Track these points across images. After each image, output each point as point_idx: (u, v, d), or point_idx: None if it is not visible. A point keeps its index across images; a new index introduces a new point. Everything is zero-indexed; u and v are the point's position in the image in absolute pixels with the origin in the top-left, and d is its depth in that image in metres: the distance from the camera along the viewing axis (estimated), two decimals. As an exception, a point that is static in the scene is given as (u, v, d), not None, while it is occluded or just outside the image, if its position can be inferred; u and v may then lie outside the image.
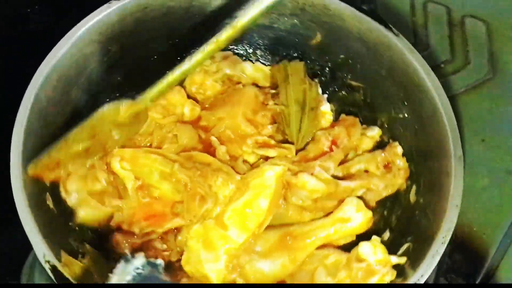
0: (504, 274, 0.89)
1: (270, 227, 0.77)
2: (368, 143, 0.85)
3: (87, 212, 0.76)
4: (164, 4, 0.82)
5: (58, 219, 0.73)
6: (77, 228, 0.76)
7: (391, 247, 0.75)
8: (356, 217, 0.77)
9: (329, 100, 0.90)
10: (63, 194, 0.75)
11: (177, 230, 0.77)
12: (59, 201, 0.75)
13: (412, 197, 0.79)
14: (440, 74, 0.79)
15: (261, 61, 0.94)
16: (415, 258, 0.68)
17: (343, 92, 0.90)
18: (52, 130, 0.75)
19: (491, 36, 1.12)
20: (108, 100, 0.84)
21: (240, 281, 0.75)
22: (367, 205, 0.79)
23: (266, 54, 0.93)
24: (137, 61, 0.87)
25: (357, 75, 0.87)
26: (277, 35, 0.89)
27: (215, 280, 0.73)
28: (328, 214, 0.78)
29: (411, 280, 0.66)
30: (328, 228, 0.76)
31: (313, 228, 0.76)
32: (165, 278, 0.58)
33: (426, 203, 0.76)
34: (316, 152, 0.83)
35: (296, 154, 0.83)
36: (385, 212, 0.83)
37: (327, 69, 0.90)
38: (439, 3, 1.16)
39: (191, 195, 0.75)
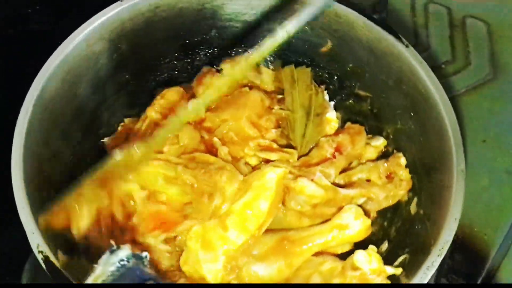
0: (505, 274, 0.89)
1: (268, 230, 0.76)
2: (372, 153, 0.85)
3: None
4: (176, 5, 0.82)
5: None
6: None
7: (388, 258, 0.75)
8: (354, 225, 0.76)
9: (336, 109, 0.90)
10: (75, 232, 0.74)
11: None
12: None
13: (413, 209, 0.79)
14: (441, 75, 0.79)
15: (270, 66, 0.95)
16: (411, 269, 0.68)
17: (351, 101, 0.90)
18: (56, 124, 0.75)
19: (491, 37, 1.12)
20: (114, 97, 0.86)
21: (234, 283, 0.74)
22: (367, 214, 0.79)
23: (275, 59, 0.93)
24: (146, 60, 0.88)
25: (365, 84, 0.87)
26: (287, 41, 0.88)
27: (212, 281, 0.73)
28: (326, 221, 0.78)
29: (404, 291, 0.66)
30: (325, 234, 0.76)
31: (310, 234, 0.76)
32: (149, 271, 0.58)
33: (426, 215, 0.75)
34: (319, 158, 0.83)
35: (299, 159, 0.83)
36: (385, 223, 0.83)
37: (336, 77, 0.90)
38: (440, 4, 1.16)
39: (199, 194, 0.75)
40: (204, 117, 0.86)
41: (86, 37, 0.76)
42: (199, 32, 0.88)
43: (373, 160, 0.85)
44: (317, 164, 0.81)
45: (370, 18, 0.79)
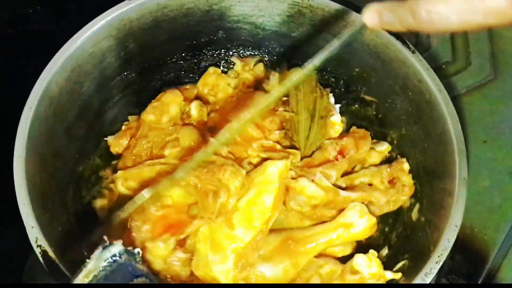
0: (505, 275, 0.89)
1: (271, 230, 0.77)
2: (376, 158, 0.85)
3: None
4: (183, 5, 0.82)
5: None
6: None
7: (388, 263, 0.75)
8: (359, 223, 0.76)
9: (341, 113, 0.91)
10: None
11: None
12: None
13: (414, 215, 0.79)
14: (442, 75, 0.78)
15: (277, 69, 0.94)
16: (410, 275, 0.68)
17: (356, 106, 0.91)
18: (60, 121, 0.75)
19: (492, 37, 1.12)
20: (120, 96, 0.86)
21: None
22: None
23: (282, 62, 0.93)
24: (153, 60, 0.88)
25: (371, 89, 0.87)
26: (295, 44, 0.89)
27: (224, 281, 0.73)
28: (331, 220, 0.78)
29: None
30: (330, 233, 0.76)
31: (315, 232, 0.76)
32: (141, 267, 0.58)
33: (427, 222, 0.76)
34: (321, 160, 0.83)
35: (302, 160, 0.83)
36: (386, 229, 0.83)
37: (342, 81, 0.91)
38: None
39: (203, 193, 0.75)
40: (208, 118, 0.87)
41: (93, 35, 0.76)
42: (206, 33, 0.88)
43: (376, 165, 0.85)
44: (319, 165, 0.81)
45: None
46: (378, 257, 0.76)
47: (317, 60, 0.63)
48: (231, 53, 0.93)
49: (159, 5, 0.80)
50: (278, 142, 0.85)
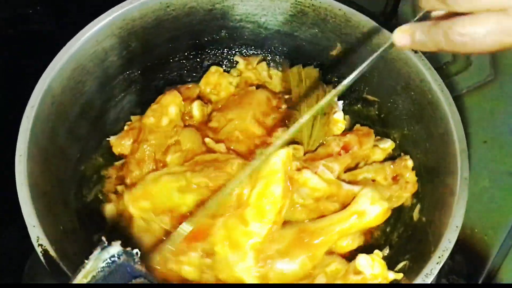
0: (506, 275, 0.89)
1: (285, 222, 0.76)
2: (379, 155, 0.86)
3: None
4: (186, 4, 0.82)
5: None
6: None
7: (389, 263, 0.75)
8: (371, 210, 0.76)
9: (344, 113, 0.90)
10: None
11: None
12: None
13: (416, 215, 0.79)
14: (442, 76, 0.78)
15: (279, 68, 0.95)
16: (410, 275, 0.68)
17: (359, 106, 0.91)
18: (62, 120, 0.76)
19: (492, 38, 1.11)
20: (122, 95, 0.86)
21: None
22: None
23: (285, 61, 0.93)
24: (156, 59, 0.88)
25: (373, 89, 0.87)
26: (297, 43, 0.89)
27: (248, 279, 0.73)
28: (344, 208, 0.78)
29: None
30: (343, 222, 0.76)
31: (328, 223, 0.76)
32: (140, 268, 0.58)
33: (428, 222, 0.76)
34: (325, 155, 0.83)
35: (305, 155, 0.83)
36: (388, 229, 0.83)
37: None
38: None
39: (217, 191, 0.75)
40: (210, 117, 0.87)
41: (96, 34, 0.77)
42: (209, 32, 0.89)
43: (380, 162, 0.85)
44: (321, 159, 0.82)
45: (380, 22, 0.80)
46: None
47: (347, 81, 0.64)
48: (233, 52, 0.94)
49: (162, 4, 0.80)
50: (281, 140, 0.85)
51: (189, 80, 0.94)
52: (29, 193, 0.65)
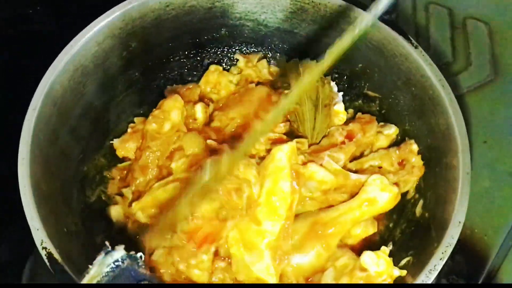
0: (506, 275, 0.89)
1: (297, 216, 0.76)
2: (383, 141, 0.86)
3: None
4: (186, 3, 0.82)
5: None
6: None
7: (393, 260, 0.74)
8: (381, 196, 0.76)
9: (345, 108, 0.90)
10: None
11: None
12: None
13: (418, 211, 0.79)
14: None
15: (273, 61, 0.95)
16: (414, 271, 0.68)
17: (360, 101, 0.91)
18: (64, 121, 0.75)
19: (492, 38, 1.12)
20: (123, 95, 0.86)
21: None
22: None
23: (284, 58, 0.93)
24: (156, 58, 0.88)
25: (374, 85, 0.87)
26: (297, 40, 0.89)
27: (267, 278, 0.73)
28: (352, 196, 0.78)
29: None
30: (354, 211, 0.76)
31: (340, 213, 0.76)
32: (144, 272, 0.58)
33: (430, 218, 0.76)
34: (329, 146, 0.83)
35: (309, 148, 0.83)
36: (391, 225, 0.83)
37: (345, 77, 0.91)
38: (441, 5, 1.16)
39: (227, 194, 0.75)
40: (212, 117, 0.86)
41: (96, 35, 0.77)
42: (209, 31, 0.89)
43: (385, 148, 0.85)
44: (326, 150, 0.82)
45: (380, 18, 0.79)
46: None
47: (328, 56, 0.64)
48: (234, 50, 0.94)
49: (162, 4, 0.80)
50: (285, 135, 0.85)
51: (190, 79, 0.94)
52: (32, 196, 0.64)
